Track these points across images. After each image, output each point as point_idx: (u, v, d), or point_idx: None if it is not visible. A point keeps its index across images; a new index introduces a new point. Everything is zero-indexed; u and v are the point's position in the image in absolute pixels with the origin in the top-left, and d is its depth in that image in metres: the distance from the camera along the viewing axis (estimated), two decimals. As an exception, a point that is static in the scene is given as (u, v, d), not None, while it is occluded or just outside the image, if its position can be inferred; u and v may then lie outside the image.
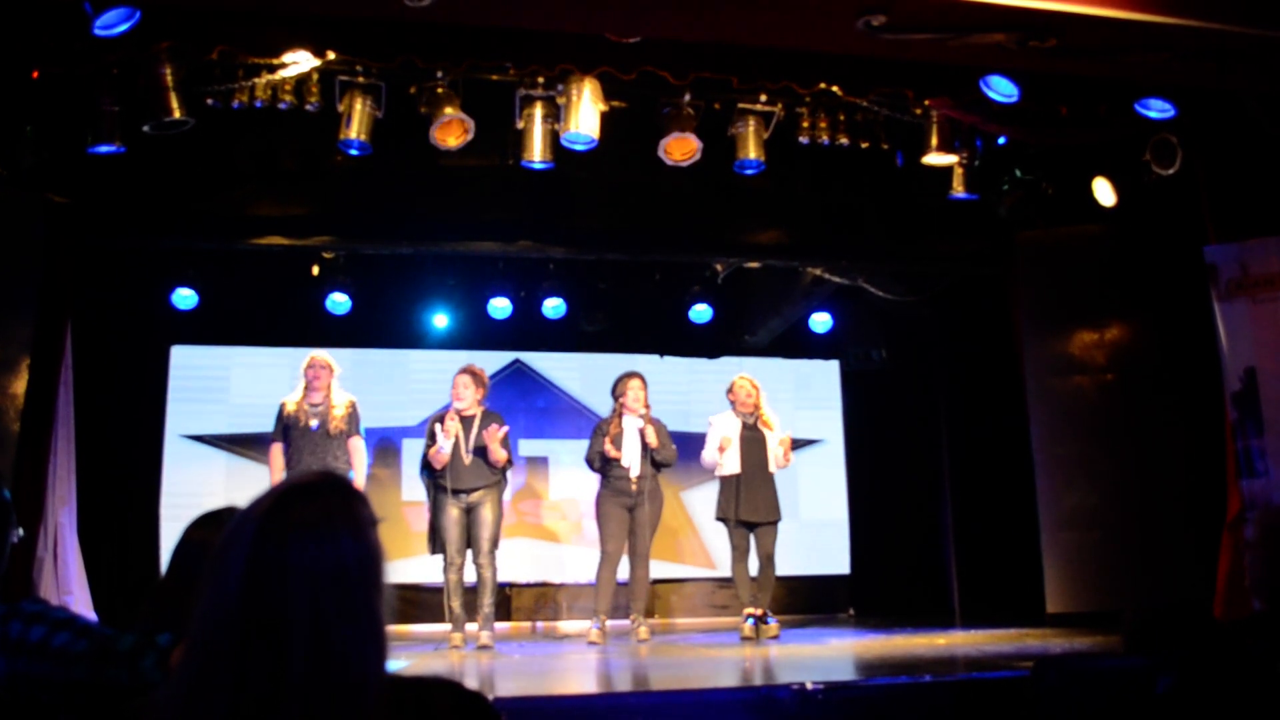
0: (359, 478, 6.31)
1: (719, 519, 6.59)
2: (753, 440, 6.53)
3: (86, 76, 5.13)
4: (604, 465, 6.41)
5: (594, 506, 6.51)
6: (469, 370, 6.40)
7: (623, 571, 6.44)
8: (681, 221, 7.01)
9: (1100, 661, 3.46)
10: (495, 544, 6.23)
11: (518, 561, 8.06)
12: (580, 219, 6.90)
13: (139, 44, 4.82)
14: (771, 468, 6.54)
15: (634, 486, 6.33)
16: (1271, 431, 5.33)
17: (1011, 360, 7.30)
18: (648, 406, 6.41)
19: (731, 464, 6.50)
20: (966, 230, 7.16)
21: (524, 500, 8.43)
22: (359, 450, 6.35)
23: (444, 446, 6.16)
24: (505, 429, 6.23)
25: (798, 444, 8.79)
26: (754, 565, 6.50)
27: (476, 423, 6.25)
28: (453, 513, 6.19)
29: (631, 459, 6.34)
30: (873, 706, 3.80)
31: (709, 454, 6.59)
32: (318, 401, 6.27)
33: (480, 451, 6.21)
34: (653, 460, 6.38)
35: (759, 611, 6.39)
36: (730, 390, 6.69)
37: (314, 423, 6.23)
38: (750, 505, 6.45)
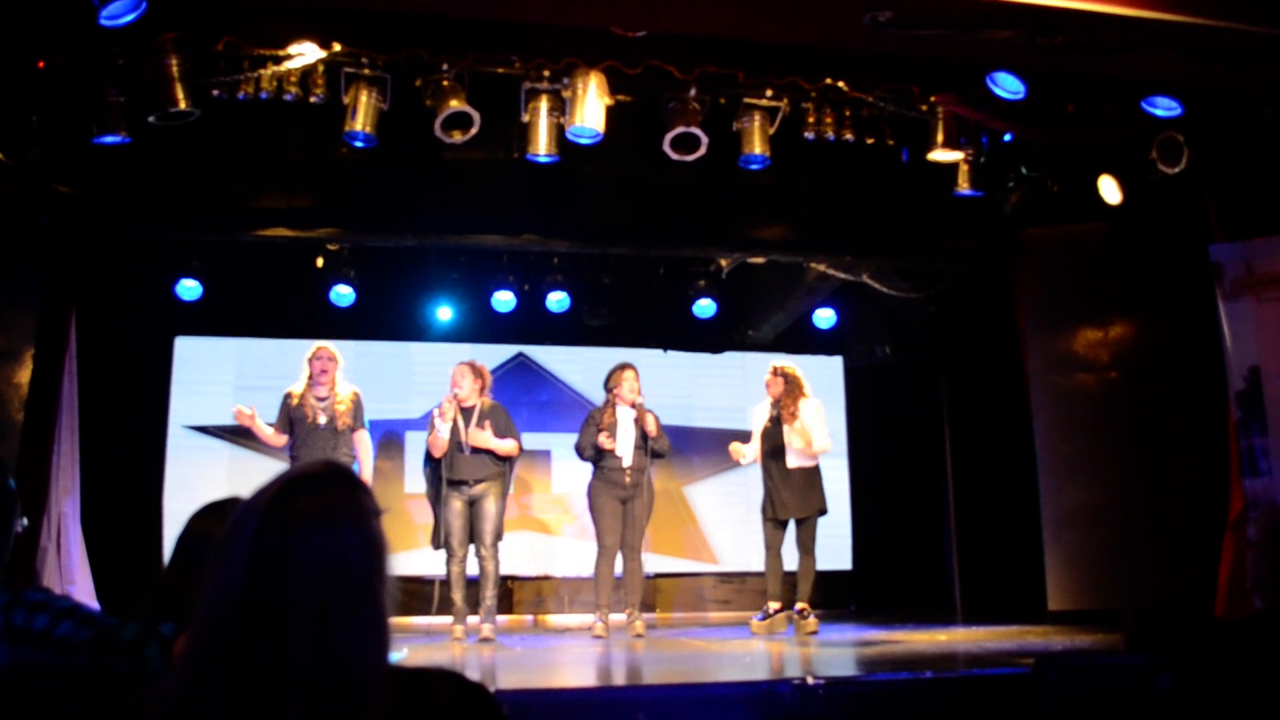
0: (365, 471, 6.30)
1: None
2: (771, 434, 6.54)
3: (92, 67, 5.13)
4: (596, 455, 6.39)
5: (586, 499, 6.48)
6: (468, 362, 6.42)
7: (617, 566, 6.45)
8: (686, 216, 7.00)
9: (1101, 659, 3.46)
10: (498, 536, 6.24)
11: (519, 554, 8.07)
12: (584, 213, 6.90)
13: (144, 35, 4.81)
14: (791, 462, 6.47)
15: (628, 478, 6.31)
16: (1275, 431, 5.32)
17: (1015, 357, 7.29)
18: (641, 397, 6.41)
19: (754, 458, 6.55)
20: (971, 227, 7.15)
21: (525, 494, 8.44)
22: (364, 443, 6.34)
23: (441, 430, 6.16)
24: (487, 423, 6.22)
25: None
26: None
27: (476, 414, 6.26)
28: (455, 505, 6.20)
29: (625, 449, 6.33)
30: (874, 702, 3.81)
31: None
32: (323, 395, 6.25)
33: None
34: (652, 451, 6.39)
35: (799, 606, 6.36)
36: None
37: (322, 419, 6.20)
38: (775, 502, 6.49)
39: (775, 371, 6.62)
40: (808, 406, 6.54)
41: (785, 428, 6.49)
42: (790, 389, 6.55)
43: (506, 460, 6.34)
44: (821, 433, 6.51)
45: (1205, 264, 5.70)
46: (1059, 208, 6.75)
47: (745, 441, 6.71)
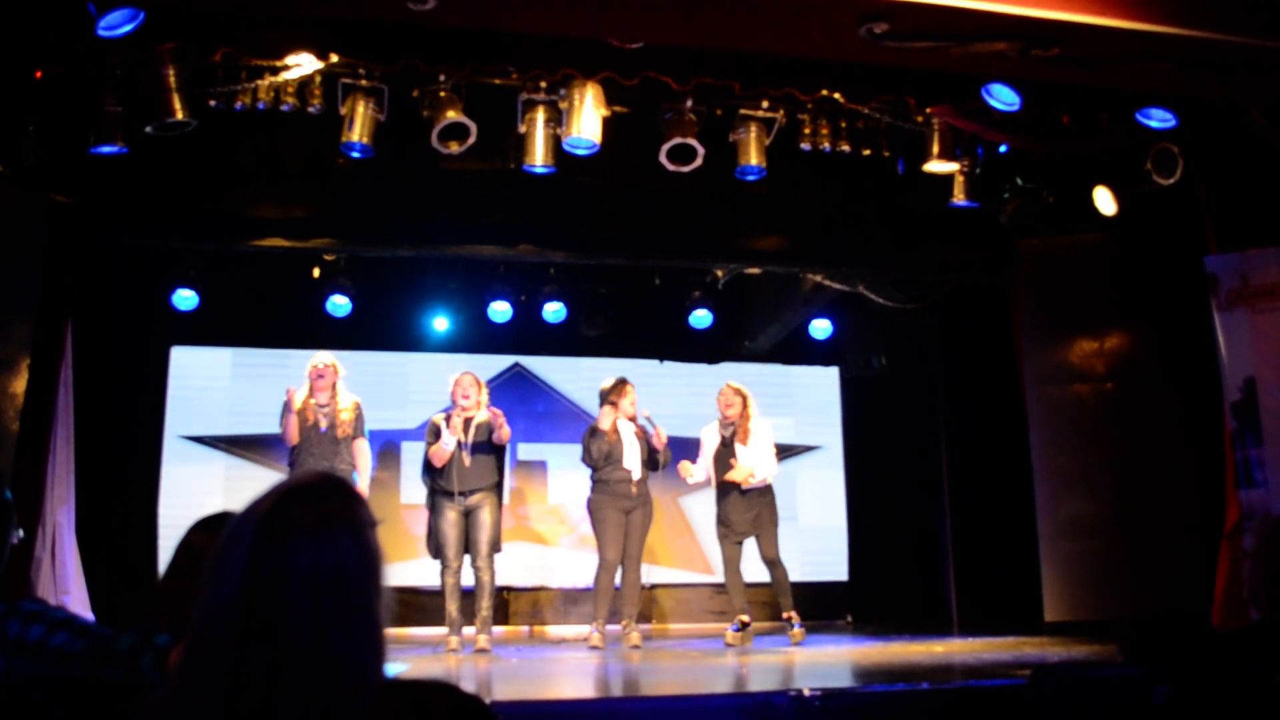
0: (363, 480, 6.30)
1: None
2: (724, 455, 6.54)
3: (89, 76, 5.14)
4: (602, 461, 6.39)
5: (588, 511, 6.48)
6: (470, 373, 6.43)
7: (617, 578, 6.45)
8: (682, 227, 7.01)
9: (1098, 670, 3.46)
10: (494, 547, 6.23)
11: (515, 565, 8.05)
12: (581, 223, 6.90)
13: (142, 45, 4.83)
14: (749, 483, 6.46)
15: (634, 490, 6.33)
16: (1270, 441, 5.33)
17: (1011, 368, 7.30)
18: (646, 413, 6.45)
19: (704, 477, 6.57)
20: (967, 238, 7.17)
21: (521, 504, 8.43)
22: (364, 452, 6.35)
23: (448, 443, 6.16)
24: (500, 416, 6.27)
25: (797, 450, 8.81)
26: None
27: (474, 424, 6.27)
28: (451, 515, 6.19)
29: (633, 463, 6.35)
30: (870, 713, 3.80)
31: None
32: (324, 402, 6.27)
33: (479, 449, 6.22)
34: (654, 462, 6.40)
35: (786, 616, 6.44)
36: (717, 398, 6.70)
37: (323, 424, 6.22)
38: (725, 523, 6.51)
39: (736, 391, 6.61)
40: (761, 429, 6.55)
41: (739, 447, 6.48)
42: (745, 409, 6.56)
43: (501, 471, 6.35)
44: (772, 463, 6.52)
45: (1200, 275, 5.71)
46: (1054, 219, 6.77)
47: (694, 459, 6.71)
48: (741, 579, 6.50)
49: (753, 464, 6.42)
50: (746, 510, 6.45)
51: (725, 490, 6.51)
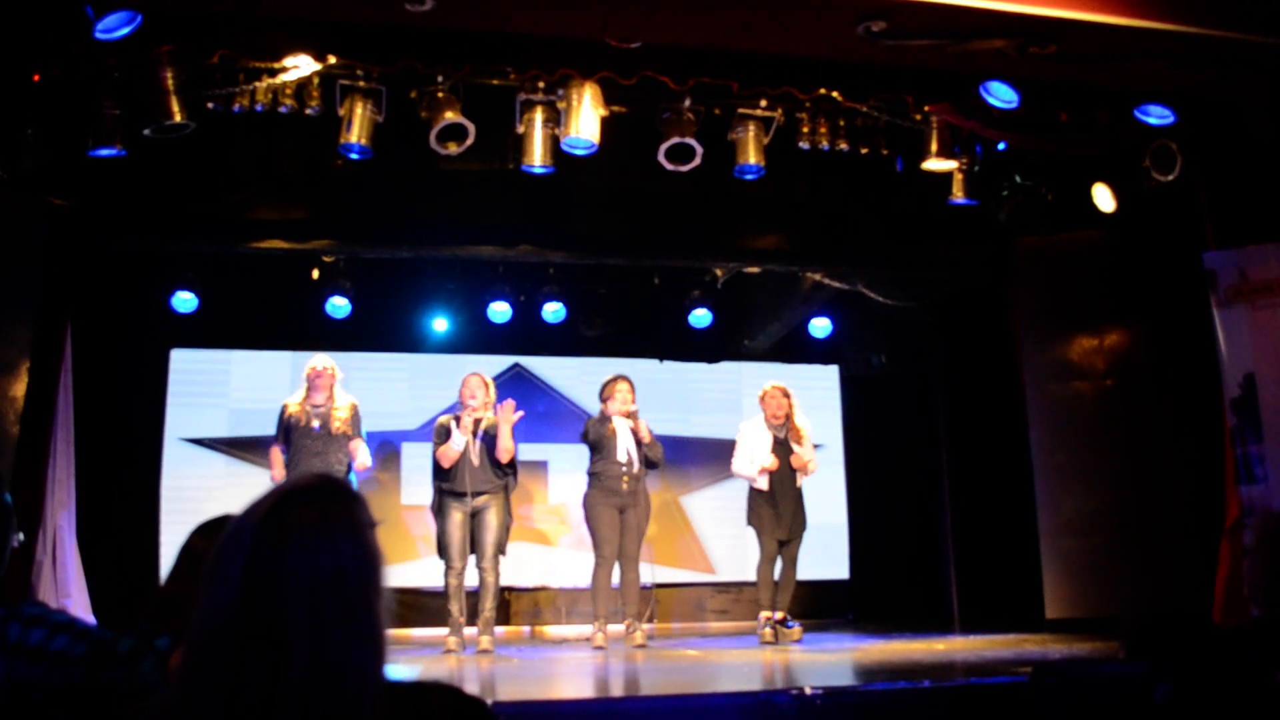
0: (359, 462, 6.32)
1: (750, 525, 6.63)
2: (781, 455, 6.55)
3: (87, 79, 5.14)
4: (596, 457, 6.40)
5: (583, 509, 6.47)
6: (478, 374, 6.43)
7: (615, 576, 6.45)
8: (681, 226, 7.01)
9: (1099, 667, 3.46)
10: (500, 549, 6.22)
11: (516, 566, 8.04)
12: (580, 223, 6.90)
13: (140, 47, 4.82)
14: (799, 482, 6.59)
15: (625, 485, 6.32)
16: (1270, 437, 5.33)
17: (1011, 366, 7.30)
18: (634, 406, 6.44)
19: (761, 479, 6.55)
20: (966, 236, 7.17)
21: (522, 504, 8.41)
22: (361, 452, 6.35)
23: (457, 443, 6.15)
24: (521, 413, 6.25)
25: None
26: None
27: (482, 425, 6.26)
28: (456, 517, 6.18)
29: (625, 455, 6.36)
30: (872, 711, 3.80)
31: (740, 464, 6.62)
32: (320, 403, 6.28)
33: (488, 444, 6.21)
34: (647, 460, 6.40)
35: (779, 615, 6.47)
36: (761, 399, 6.70)
37: (316, 423, 6.23)
38: (781, 523, 6.52)
39: (785, 394, 6.65)
40: (806, 427, 6.68)
41: (796, 448, 6.56)
42: (790, 410, 6.65)
43: (506, 474, 6.34)
44: (815, 457, 6.74)
45: (1200, 271, 5.71)
46: (1053, 216, 6.77)
47: (731, 453, 6.72)
48: (774, 574, 6.53)
49: (809, 458, 6.63)
50: (794, 510, 6.53)
51: (779, 489, 6.51)
